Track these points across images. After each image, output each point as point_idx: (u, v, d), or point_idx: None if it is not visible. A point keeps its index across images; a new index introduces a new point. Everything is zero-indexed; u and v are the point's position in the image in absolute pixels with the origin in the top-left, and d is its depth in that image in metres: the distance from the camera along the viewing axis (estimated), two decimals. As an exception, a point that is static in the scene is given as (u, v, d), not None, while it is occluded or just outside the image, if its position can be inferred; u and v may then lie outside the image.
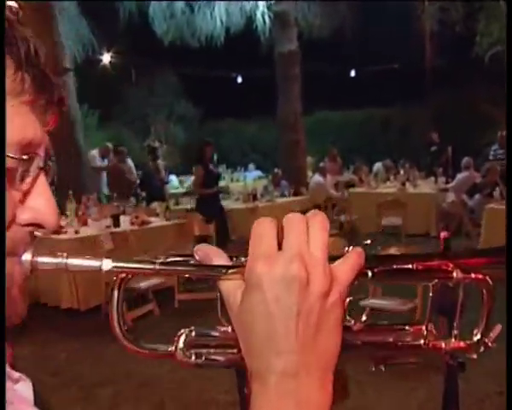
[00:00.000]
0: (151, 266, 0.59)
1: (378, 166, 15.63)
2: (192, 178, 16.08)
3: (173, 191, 14.87)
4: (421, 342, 0.64)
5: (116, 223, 7.46)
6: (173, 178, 17.01)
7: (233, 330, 0.59)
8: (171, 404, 4.38)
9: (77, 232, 7.05)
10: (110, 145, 13.36)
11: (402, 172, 12.97)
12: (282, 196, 12.18)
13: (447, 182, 12.02)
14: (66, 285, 6.52)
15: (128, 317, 6.26)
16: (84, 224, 7.48)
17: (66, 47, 11.21)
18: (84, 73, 14.43)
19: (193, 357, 0.61)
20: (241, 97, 21.30)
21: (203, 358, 0.62)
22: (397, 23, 17.91)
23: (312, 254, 0.57)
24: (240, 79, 23.05)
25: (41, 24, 10.42)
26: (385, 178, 13.58)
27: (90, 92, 16.21)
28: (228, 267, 0.59)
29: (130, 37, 17.24)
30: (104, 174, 12.72)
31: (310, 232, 0.58)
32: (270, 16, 16.08)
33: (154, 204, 9.87)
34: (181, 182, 16.96)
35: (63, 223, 7.37)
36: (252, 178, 17.78)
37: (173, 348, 0.62)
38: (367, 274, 0.61)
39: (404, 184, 11.85)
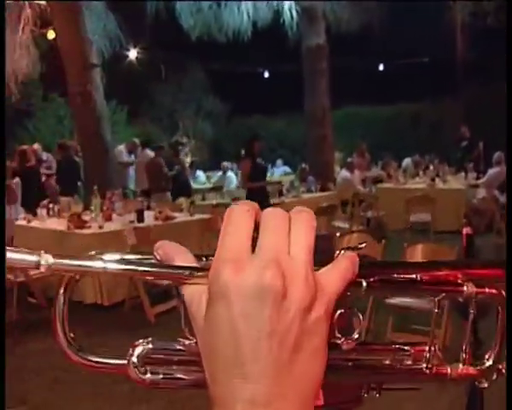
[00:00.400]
0: (101, 265, 0.49)
1: (407, 161, 15.43)
2: (219, 173, 16.13)
3: (200, 187, 14.89)
4: (423, 366, 0.53)
5: (140, 218, 7.45)
6: (200, 174, 17.03)
7: (197, 343, 0.48)
8: (188, 401, 4.31)
9: (101, 227, 7.06)
10: (137, 141, 13.44)
11: (431, 167, 12.71)
12: (309, 191, 12.01)
13: (478, 177, 11.78)
14: (90, 280, 6.50)
15: (151, 313, 6.24)
16: (109, 219, 7.48)
17: (93, 42, 11.25)
18: (111, 68, 14.50)
19: (148, 374, 0.51)
20: (269, 93, 21.18)
21: (160, 375, 0.51)
22: (427, 16, 17.61)
23: (293, 259, 0.46)
24: (267, 74, 22.95)
25: (68, 20, 10.51)
26: (414, 174, 13.35)
27: (117, 88, 16.29)
28: (193, 269, 0.49)
29: (157, 32, 17.24)
30: (130, 169, 12.79)
31: (292, 232, 0.47)
32: (297, 10, 15.91)
33: (181, 199, 9.86)
34: (208, 177, 16.98)
35: (87, 218, 7.39)
36: (279, 173, 17.71)
37: (126, 362, 0.51)
38: (361, 284, 0.50)
39: (433, 179, 11.59)
